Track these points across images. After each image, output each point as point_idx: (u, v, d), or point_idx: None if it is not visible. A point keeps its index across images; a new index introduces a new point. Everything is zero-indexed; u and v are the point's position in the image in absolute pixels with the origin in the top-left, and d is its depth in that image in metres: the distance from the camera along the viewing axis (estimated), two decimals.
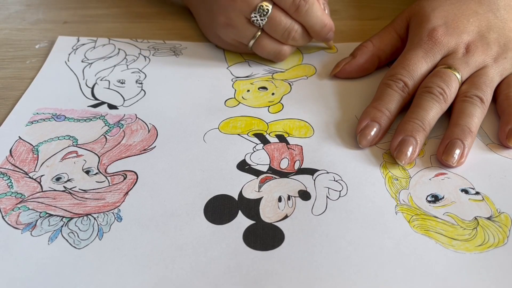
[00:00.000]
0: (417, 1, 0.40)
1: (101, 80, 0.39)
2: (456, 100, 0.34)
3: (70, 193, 0.29)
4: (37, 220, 0.27)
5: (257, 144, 0.33)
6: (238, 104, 0.37)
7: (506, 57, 0.35)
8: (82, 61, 0.41)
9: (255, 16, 0.37)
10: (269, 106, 0.37)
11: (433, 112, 0.32)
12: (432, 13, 0.37)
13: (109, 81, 0.39)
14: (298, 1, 0.37)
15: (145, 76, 0.40)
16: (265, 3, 0.37)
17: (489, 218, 0.28)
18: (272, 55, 0.40)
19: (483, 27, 0.36)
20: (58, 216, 0.28)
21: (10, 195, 0.29)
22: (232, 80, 0.40)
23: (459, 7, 0.37)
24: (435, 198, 0.29)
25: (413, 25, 0.39)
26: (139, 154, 0.32)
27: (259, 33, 0.38)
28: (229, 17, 0.38)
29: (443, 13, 0.37)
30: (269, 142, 0.33)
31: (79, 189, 0.29)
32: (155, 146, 0.33)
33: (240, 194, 0.29)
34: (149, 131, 0.34)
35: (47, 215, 0.28)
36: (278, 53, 0.40)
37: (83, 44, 0.44)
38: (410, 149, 0.31)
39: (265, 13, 0.37)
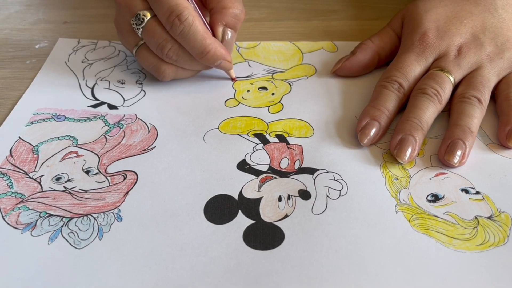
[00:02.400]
0: (413, 1, 0.40)
1: (101, 80, 0.39)
2: (454, 101, 0.34)
3: (70, 193, 0.29)
4: (37, 220, 0.27)
5: (257, 144, 0.33)
6: (238, 104, 0.37)
7: (503, 57, 0.35)
8: (82, 62, 0.41)
9: (134, 24, 0.35)
10: (269, 106, 0.37)
11: (429, 111, 0.33)
12: (424, 15, 0.37)
13: (109, 82, 0.39)
14: (172, 19, 0.33)
15: (145, 76, 0.40)
16: (143, 12, 0.34)
17: (489, 218, 0.28)
18: (152, 70, 0.37)
19: (478, 28, 0.36)
20: (58, 216, 0.28)
21: (10, 195, 0.29)
22: (232, 80, 0.40)
23: (453, 9, 0.37)
24: (435, 198, 0.29)
25: (405, 27, 0.39)
26: (139, 154, 0.32)
27: (142, 42, 0.36)
28: (117, 21, 0.37)
29: (436, 15, 0.37)
30: (269, 142, 0.33)
31: (79, 189, 0.29)
32: (155, 146, 0.33)
33: (240, 194, 0.29)
34: (149, 131, 0.34)
35: (47, 215, 0.28)
36: (157, 70, 0.36)
37: (84, 46, 0.44)
38: (410, 147, 0.31)
39: (140, 22, 0.34)
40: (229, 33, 0.36)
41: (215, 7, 0.36)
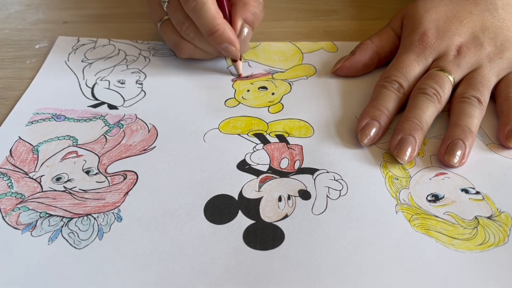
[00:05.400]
0: (413, 1, 0.40)
1: (101, 80, 0.39)
2: (454, 101, 0.34)
3: (70, 193, 0.29)
4: (37, 220, 0.27)
5: (257, 144, 0.33)
6: (238, 104, 0.37)
7: (502, 57, 0.35)
8: (82, 61, 0.41)
9: None
10: (269, 106, 0.37)
11: (429, 111, 0.33)
12: (424, 15, 0.37)
13: (109, 81, 0.39)
14: None
15: (145, 76, 0.40)
16: None
17: (489, 218, 0.28)
18: (172, 45, 0.39)
19: (477, 27, 0.36)
20: (58, 216, 0.28)
21: (10, 196, 0.29)
22: (232, 80, 0.40)
23: (453, 9, 0.37)
24: (435, 198, 0.29)
25: (405, 27, 0.39)
26: (139, 154, 0.32)
27: (166, 17, 0.38)
28: None
29: (435, 15, 0.37)
30: (269, 142, 0.33)
31: (79, 189, 0.29)
32: (155, 146, 0.33)
33: (240, 193, 0.29)
34: (149, 131, 0.34)
35: (47, 215, 0.28)
36: (176, 45, 0.39)
37: (83, 45, 0.44)
38: (410, 147, 0.31)
39: None
40: (246, 29, 0.38)
41: (237, 3, 0.38)
